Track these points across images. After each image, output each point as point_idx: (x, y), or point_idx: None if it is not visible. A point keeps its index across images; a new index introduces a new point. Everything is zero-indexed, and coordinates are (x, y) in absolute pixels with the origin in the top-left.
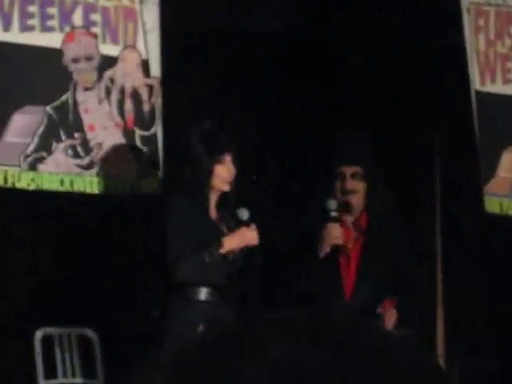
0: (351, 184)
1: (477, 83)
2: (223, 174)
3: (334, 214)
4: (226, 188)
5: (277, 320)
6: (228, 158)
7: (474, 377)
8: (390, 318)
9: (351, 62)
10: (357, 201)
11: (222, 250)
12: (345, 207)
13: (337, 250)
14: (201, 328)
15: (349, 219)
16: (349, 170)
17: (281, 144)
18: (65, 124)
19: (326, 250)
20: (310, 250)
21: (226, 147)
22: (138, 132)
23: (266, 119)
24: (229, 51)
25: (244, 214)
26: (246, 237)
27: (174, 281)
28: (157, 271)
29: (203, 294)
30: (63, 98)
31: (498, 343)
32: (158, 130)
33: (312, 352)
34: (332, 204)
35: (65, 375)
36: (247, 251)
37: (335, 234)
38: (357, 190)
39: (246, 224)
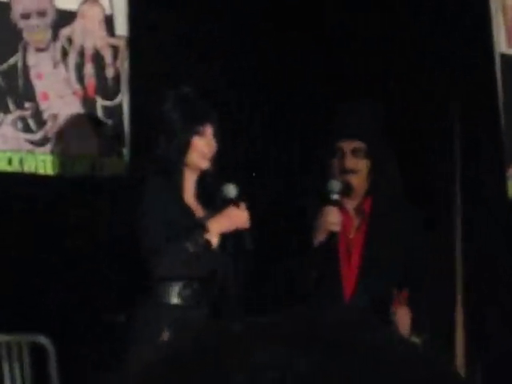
0: (351, 162)
1: (502, 45)
2: (202, 148)
3: (335, 196)
4: (205, 165)
5: (261, 322)
6: (209, 130)
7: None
8: (403, 317)
9: (356, 19)
10: (358, 182)
11: (209, 236)
12: (344, 189)
13: (333, 238)
14: (166, 333)
15: (350, 204)
16: (348, 146)
17: (270, 113)
18: (13, 92)
19: (320, 237)
20: (303, 239)
21: (207, 116)
22: (100, 102)
23: (252, 85)
24: (209, 5)
25: (231, 190)
26: (235, 218)
27: (152, 277)
28: (122, 268)
29: (176, 295)
30: (11, 60)
31: None
32: (123, 99)
33: (300, 357)
34: (335, 185)
35: None
36: (236, 236)
37: (332, 219)
38: (358, 168)
39: (234, 203)
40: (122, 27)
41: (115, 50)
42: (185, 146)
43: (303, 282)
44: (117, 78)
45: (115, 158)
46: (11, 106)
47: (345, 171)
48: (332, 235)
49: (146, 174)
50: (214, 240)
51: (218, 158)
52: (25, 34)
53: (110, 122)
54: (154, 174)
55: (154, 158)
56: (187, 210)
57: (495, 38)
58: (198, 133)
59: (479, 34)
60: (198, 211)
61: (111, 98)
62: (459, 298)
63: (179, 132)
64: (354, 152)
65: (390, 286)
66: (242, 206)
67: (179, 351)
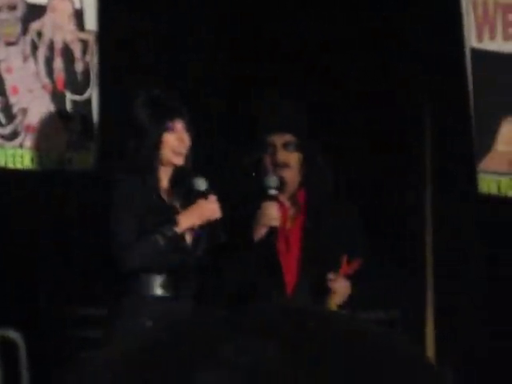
0: (283, 156)
1: (473, 40)
2: (174, 143)
3: (272, 192)
4: (179, 161)
5: (227, 316)
6: (179, 125)
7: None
8: (341, 287)
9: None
10: (291, 175)
11: (178, 229)
12: (279, 183)
13: (273, 233)
14: (148, 325)
15: (284, 196)
16: (279, 140)
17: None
18: None
19: (260, 232)
20: (242, 234)
21: (176, 112)
22: (70, 96)
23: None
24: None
25: (201, 183)
26: (205, 210)
27: (123, 271)
28: (93, 260)
29: (153, 286)
30: None
31: (494, 332)
32: (92, 93)
33: (264, 348)
34: (272, 181)
35: None
36: (208, 228)
37: (272, 214)
38: (290, 162)
39: (204, 195)
40: (91, 22)
41: (85, 44)
42: (156, 144)
43: (246, 278)
44: (86, 72)
45: (84, 152)
46: None
47: (277, 165)
48: (272, 230)
49: (116, 171)
50: (183, 233)
51: (192, 154)
52: None
53: (78, 116)
54: (126, 170)
55: (125, 154)
56: (161, 206)
57: (466, 33)
58: (168, 129)
59: (450, 28)
60: (173, 208)
61: (80, 93)
62: (430, 286)
63: (149, 129)
64: (286, 146)
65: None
66: (212, 197)
67: (156, 340)
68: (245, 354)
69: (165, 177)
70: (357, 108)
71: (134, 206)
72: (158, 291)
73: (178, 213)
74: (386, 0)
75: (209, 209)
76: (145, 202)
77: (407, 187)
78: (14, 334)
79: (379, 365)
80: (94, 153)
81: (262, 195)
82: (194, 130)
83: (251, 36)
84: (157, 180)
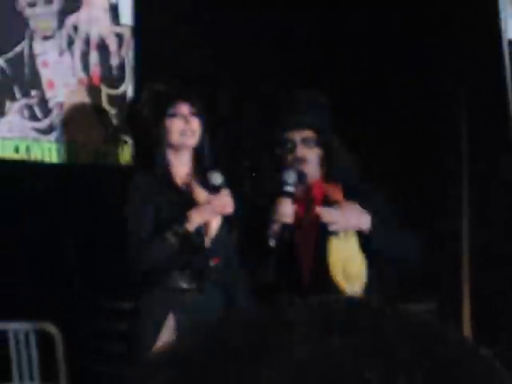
0: (302, 151)
1: (511, 32)
2: (180, 126)
3: (289, 188)
4: (191, 142)
5: (299, 311)
6: (184, 108)
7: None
8: (351, 212)
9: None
10: (310, 171)
11: (190, 226)
12: (298, 179)
13: (286, 229)
14: (171, 318)
15: (302, 191)
16: (298, 136)
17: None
18: (20, 80)
19: (274, 229)
20: (259, 233)
21: (178, 96)
22: (105, 90)
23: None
24: None
25: (216, 178)
26: (217, 205)
27: (137, 271)
28: (127, 256)
29: (179, 279)
30: (17, 48)
31: None
32: (128, 88)
33: (342, 349)
34: (290, 176)
35: (21, 378)
36: (223, 222)
37: (285, 210)
38: (309, 157)
39: (218, 190)
40: (126, 16)
41: (120, 38)
42: (159, 131)
43: (263, 274)
44: (121, 66)
45: (120, 146)
46: (17, 94)
47: (296, 161)
48: (285, 227)
49: (134, 166)
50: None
51: (208, 136)
52: (31, 22)
53: (114, 111)
54: (141, 164)
55: (138, 149)
56: (178, 196)
57: (503, 25)
58: (170, 115)
59: (488, 21)
60: (197, 190)
61: (116, 87)
62: (465, 281)
63: (150, 117)
64: (305, 141)
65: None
66: (225, 192)
67: (216, 337)
68: (312, 351)
69: (182, 162)
70: (389, 105)
71: (148, 201)
72: (184, 284)
73: (192, 200)
74: None
75: (221, 205)
76: (159, 193)
77: (444, 179)
78: (52, 329)
79: (458, 364)
80: (130, 147)
81: (279, 191)
82: (203, 112)
83: (277, 32)
84: (168, 169)
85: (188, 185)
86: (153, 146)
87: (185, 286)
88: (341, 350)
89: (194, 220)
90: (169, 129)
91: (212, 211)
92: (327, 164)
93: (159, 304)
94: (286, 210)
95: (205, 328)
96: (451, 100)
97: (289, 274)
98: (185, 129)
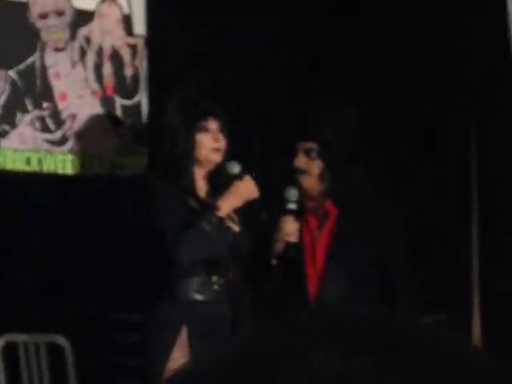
0: (302, 161)
1: None
2: (208, 143)
3: (291, 206)
4: (218, 158)
5: (318, 324)
6: (213, 125)
7: None
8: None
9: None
10: (310, 183)
11: (222, 213)
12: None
13: (291, 248)
14: (184, 330)
15: (310, 205)
16: (302, 146)
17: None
18: (31, 91)
19: (278, 247)
20: (265, 249)
21: (209, 112)
22: (119, 101)
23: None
24: (225, 5)
25: (234, 167)
26: (243, 191)
27: (179, 265)
28: (141, 268)
29: (191, 291)
30: (29, 60)
31: None
32: (142, 98)
33: (362, 364)
34: (292, 194)
35: None
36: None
37: (289, 229)
38: (308, 169)
39: (239, 177)
40: (140, 26)
41: (133, 49)
42: (189, 143)
43: (266, 291)
44: (135, 77)
45: (135, 157)
46: (29, 106)
47: (296, 171)
48: (289, 245)
49: (157, 173)
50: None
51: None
52: (43, 34)
53: (128, 121)
54: (164, 172)
55: (163, 158)
56: (199, 203)
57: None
58: (201, 129)
59: (496, 25)
60: (211, 205)
61: (130, 97)
62: (475, 294)
63: (181, 131)
64: (307, 152)
65: (360, 284)
66: (247, 177)
67: (242, 351)
68: (335, 365)
69: (201, 177)
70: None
71: (175, 205)
72: (195, 296)
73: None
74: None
75: (246, 189)
76: (181, 202)
77: (452, 189)
78: (62, 341)
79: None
80: (145, 157)
81: (282, 209)
82: (229, 130)
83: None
84: (192, 180)
85: (206, 196)
86: (179, 159)
87: (198, 298)
88: (360, 370)
89: (224, 207)
90: (199, 144)
91: (239, 197)
92: (331, 178)
93: (171, 316)
94: (291, 229)
95: (234, 344)
96: (462, 104)
97: (293, 291)
98: (213, 146)
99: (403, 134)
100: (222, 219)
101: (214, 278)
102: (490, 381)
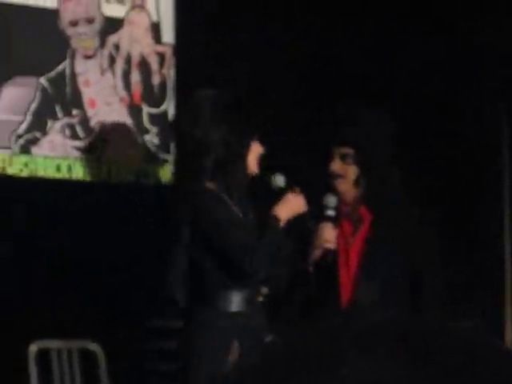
0: (337, 166)
1: None
2: (259, 150)
3: (330, 212)
4: (256, 170)
5: (350, 330)
6: (258, 147)
7: None
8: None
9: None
10: (345, 187)
11: (282, 223)
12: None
13: (329, 255)
14: (235, 344)
15: (344, 210)
16: (338, 151)
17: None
18: (61, 99)
19: (316, 254)
20: (303, 256)
21: (253, 135)
22: (147, 109)
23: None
24: (252, 13)
25: (280, 180)
26: (294, 204)
27: (252, 273)
28: (177, 274)
29: (230, 302)
30: (59, 67)
31: None
32: (169, 106)
33: (395, 371)
34: (330, 200)
35: None
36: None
37: (327, 236)
38: (344, 173)
39: (290, 189)
40: (168, 34)
41: (161, 57)
42: (244, 152)
43: (301, 297)
44: (163, 85)
45: (161, 165)
46: (59, 113)
47: (332, 176)
48: (327, 252)
49: (198, 184)
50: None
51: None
52: (73, 41)
53: (155, 129)
54: (210, 182)
55: (205, 167)
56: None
57: None
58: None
59: None
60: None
61: (157, 106)
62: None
63: (234, 139)
64: (343, 157)
65: (392, 290)
66: (296, 191)
67: (274, 357)
68: (366, 372)
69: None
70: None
71: (231, 215)
72: (234, 307)
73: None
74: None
75: (297, 202)
76: (234, 213)
77: (485, 198)
78: (95, 347)
79: None
80: (171, 166)
81: (321, 215)
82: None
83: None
84: (243, 190)
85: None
86: (229, 177)
87: (235, 308)
88: (392, 377)
89: (282, 217)
90: (251, 150)
91: (291, 210)
92: (367, 183)
93: (208, 325)
94: (329, 236)
95: (266, 349)
96: (493, 113)
97: (326, 297)
98: (258, 156)
99: (436, 139)
100: (283, 229)
101: (264, 290)
102: None
